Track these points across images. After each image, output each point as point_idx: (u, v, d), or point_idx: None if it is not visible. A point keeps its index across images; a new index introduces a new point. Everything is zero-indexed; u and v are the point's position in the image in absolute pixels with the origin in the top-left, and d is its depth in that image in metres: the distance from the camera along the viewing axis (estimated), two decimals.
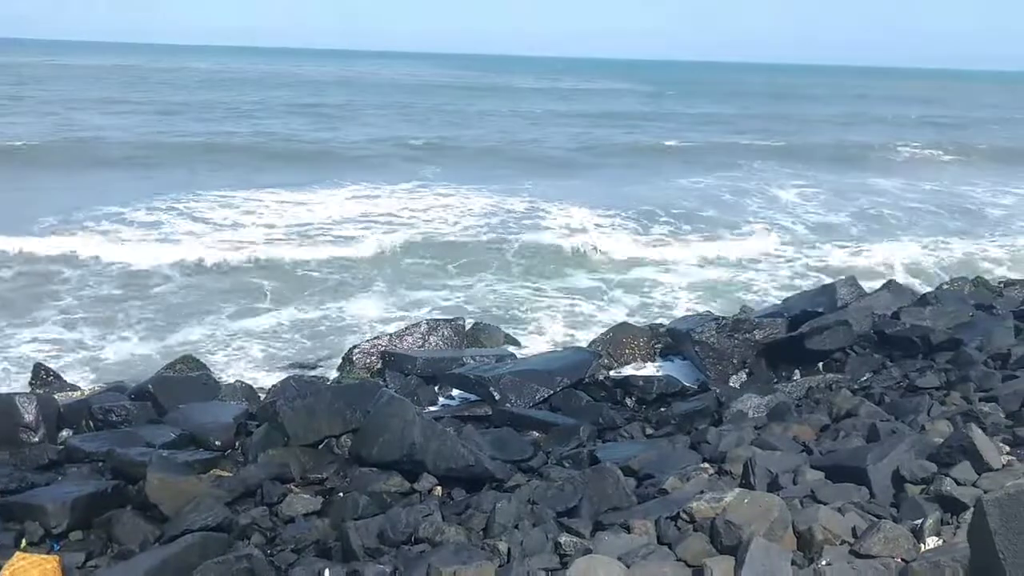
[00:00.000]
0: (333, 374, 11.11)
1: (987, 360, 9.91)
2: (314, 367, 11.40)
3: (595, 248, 17.60)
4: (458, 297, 14.28)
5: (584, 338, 12.40)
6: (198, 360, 10.91)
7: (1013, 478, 5.62)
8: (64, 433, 8.73)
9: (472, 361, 10.77)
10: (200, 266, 15.60)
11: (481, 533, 6.00)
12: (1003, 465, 6.16)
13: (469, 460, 7.39)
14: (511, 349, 11.78)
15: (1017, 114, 64.88)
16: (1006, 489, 3.48)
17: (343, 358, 11.40)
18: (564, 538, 5.27)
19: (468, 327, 12.24)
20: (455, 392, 10.43)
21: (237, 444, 8.35)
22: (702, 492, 5.72)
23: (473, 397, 10.02)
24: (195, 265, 15.62)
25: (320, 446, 8.22)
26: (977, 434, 6.17)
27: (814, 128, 45.95)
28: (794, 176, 28.73)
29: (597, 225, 19.82)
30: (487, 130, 40.64)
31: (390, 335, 11.71)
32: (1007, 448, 6.84)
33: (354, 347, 11.49)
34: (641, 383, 10.32)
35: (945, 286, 13.76)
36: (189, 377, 10.07)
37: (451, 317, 12.41)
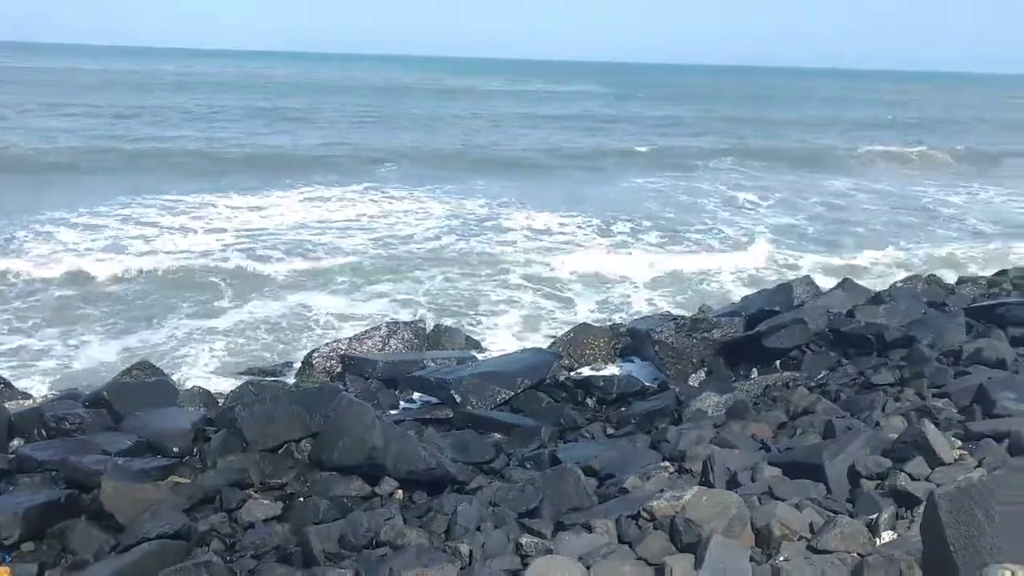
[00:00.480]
0: (292, 379, 11.03)
1: (940, 357, 10.09)
2: (273, 372, 11.30)
3: (557, 250, 17.67)
4: (419, 299, 14.25)
5: (545, 339, 12.43)
6: (155, 366, 10.76)
7: (964, 472, 5.73)
8: (15, 442, 8.55)
9: (433, 364, 10.75)
10: (154, 272, 15.37)
11: (443, 535, 5.99)
12: (955, 459, 6.28)
13: (430, 463, 7.38)
14: (472, 351, 11.78)
15: (986, 114, 66.18)
16: (957, 483, 3.55)
17: (302, 362, 11.32)
18: (525, 539, 5.27)
19: (429, 329, 12.22)
20: (416, 395, 10.39)
21: (195, 450, 8.23)
22: (662, 491, 5.76)
23: (434, 400, 10.00)
24: (149, 271, 15.38)
25: (280, 451, 8.15)
26: (930, 429, 6.28)
27: (779, 130, 46.39)
28: (755, 178, 29.06)
29: (560, 227, 19.88)
30: (452, 133, 40.60)
31: (350, 339, 11.64)
32: (959, 443, 6.97)
33: (313, 351, 11.41)
34: (602, 383, 10.38)
35: (899, 284, 13.98)
36: (146, 383, 9.92)
37: (411, 320, 12.38)
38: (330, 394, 8.58)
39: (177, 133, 36.55)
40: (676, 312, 13.29)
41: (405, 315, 13.24)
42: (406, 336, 11.72)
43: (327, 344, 11.58)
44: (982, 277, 15.07)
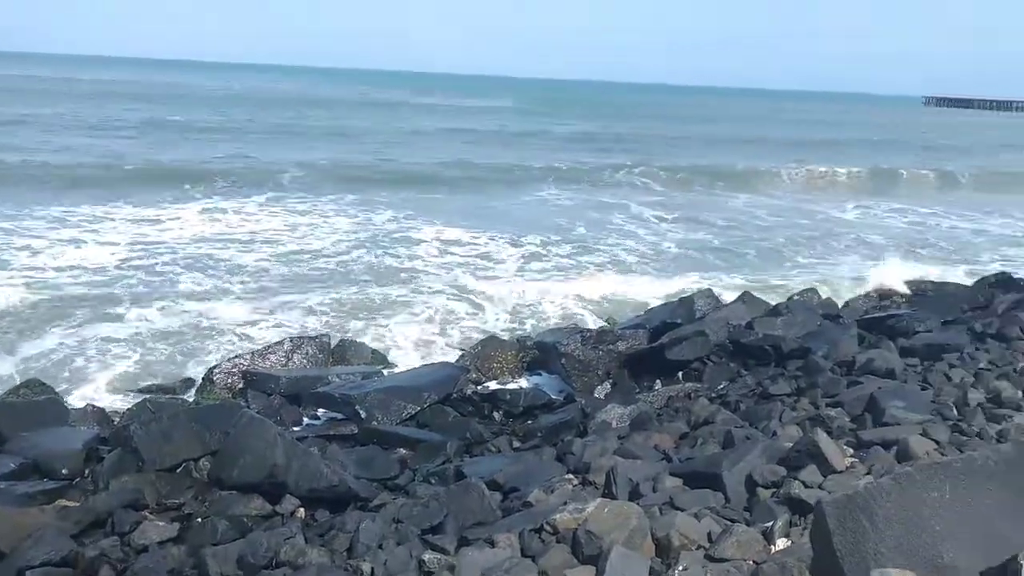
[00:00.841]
0: (192, 396, 10.72)
1: (833, 367, 10.45)
2: (172, 389, 10.96)
3: (468, 264, 17.68)
4: (324, 314, 14.03)
5: (452, 353, 12.40)
6: (45, 384, 10.31)
7: (855, 479, 5.93)
8: None
9: (338, 379, 10.60)
10: (44, 286, 14.77)
11: (345, 554, 5.89)
12: (847, 467, 6.50)
13: (332, 480, 7.26)
14: (379, 366, 11.66)
15: (891, 136, 68.78)
16: (843, 491, 3.67)
17: (203, 379, 11.01)
18: (428, 555, 5.24)
19: (334, 344, 12.04)
20: (320, 411, 10.23)
21: (87, 472, 7.91)
22: (565, 503, 5.79)
23: (339, 416, 9.85)
24: (38, 285, 14.77)
25: (177, 470, 7.90)
26: (822, 438, 6.49)
27: (691, 147, 47.24)
28: (662, 194, 29.64)
29: (471, 241, 19.88)
30: (358, 146, 40.18)
31: (252, 354, 11.39)
32: (851, 451, 7.22)
33: (214, 367, 11.12)
34: (508, 397, 10.40)
35: (796, 297, 14.43)
36: (34, 402, 9.48)
37: (316, 334, 12.18)
38: (231, 411, 8.36)
39: (69, 143, 35.20)
40: (585, 324, 13.45)
41: (310, 329, 13.02)
42: (310, 351, 11.53)
43: (228, 360, 11.30)
44: (876, 290, 15.69)
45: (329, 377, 10.66)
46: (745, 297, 13.73)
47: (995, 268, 17.94)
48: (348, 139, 43.83)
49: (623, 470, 6.58)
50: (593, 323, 13.81)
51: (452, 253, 18.70)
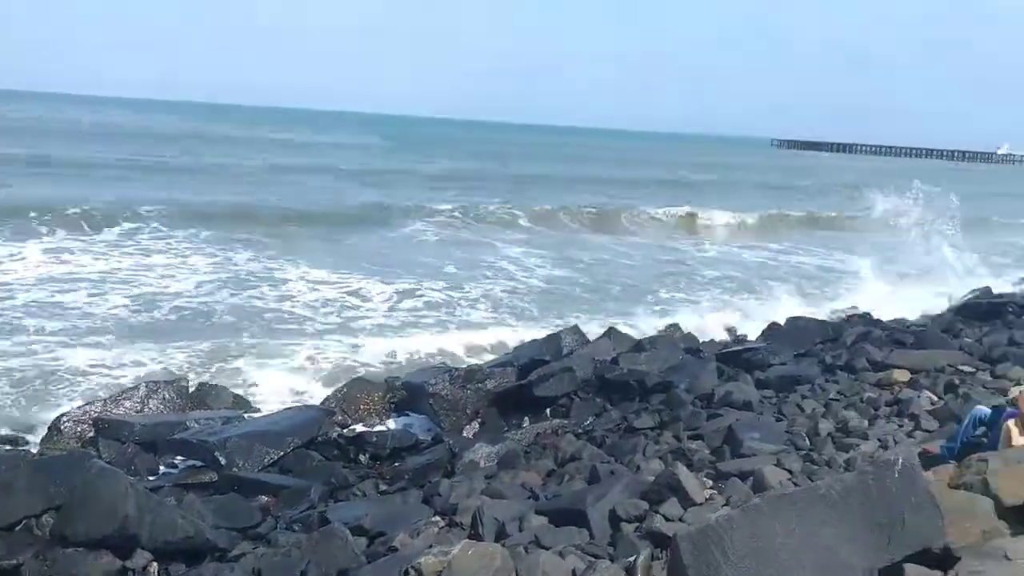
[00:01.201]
0: (36, 446, 10.07)
1: (695, 400, 10.78)
2: (14, 440, 10.28)
3: (333, 305, 17.40)
4: (182, 357, 13.46)
5: (317, 395, 12.11)
6: None
7: (713, 511, 6.09)
8: None
9: (196, 425, 10.19)
10: None
11: None
12: (706, 499, 6.68)
13: (188, 531, 6.95)
14: (240, 411, 11.28)
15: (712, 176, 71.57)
16: (697, 524, 3.75)
17: (49, 428, 10.36)
18: None
19: (192, 388, 11.58)
20: (178, 459, 9.80)
21: None
22: (431, 546, 5.72)
23: (198, 463, 9.47)
24: None
25: (16, 528, 7.37)
26: (682, 471, 6.65)
27: (554, 187, 47.67)
28: (526, 233, 29.96)
29: (339, 280, 19.54)
30: (216, 183, 38.77)
31: (104, 400, 10.83)
32: (710, 482, 7.43)
33: (63, 415, 10.49)
34: (375, 439, 10.24)
35: (659, 332, 14.83)
36: None
37: (173, 378, 11.70)
38: (79, 461, 7.87)
39: None
40: (455, 363, 13.39)
41: (168, 373, 12.47)
42: (167, 396, 11.05)
43: (79, 407, 10.70)
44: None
45: (187, 423, 10.24)
46: (611, 333, 14.01)
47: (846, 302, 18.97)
48: (202, 175, 42.22)
49: (489, 510, 6.56)
50: (462, 362, 13.78)
51: (318, 293, 18.35)
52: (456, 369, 11.74)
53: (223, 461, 9.13)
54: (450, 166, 60.32)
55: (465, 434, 10.86)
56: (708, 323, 16.88)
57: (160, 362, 13.15)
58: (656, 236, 31.84)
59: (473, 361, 13.76)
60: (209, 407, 11.25)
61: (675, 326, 15.56)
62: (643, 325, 16.40)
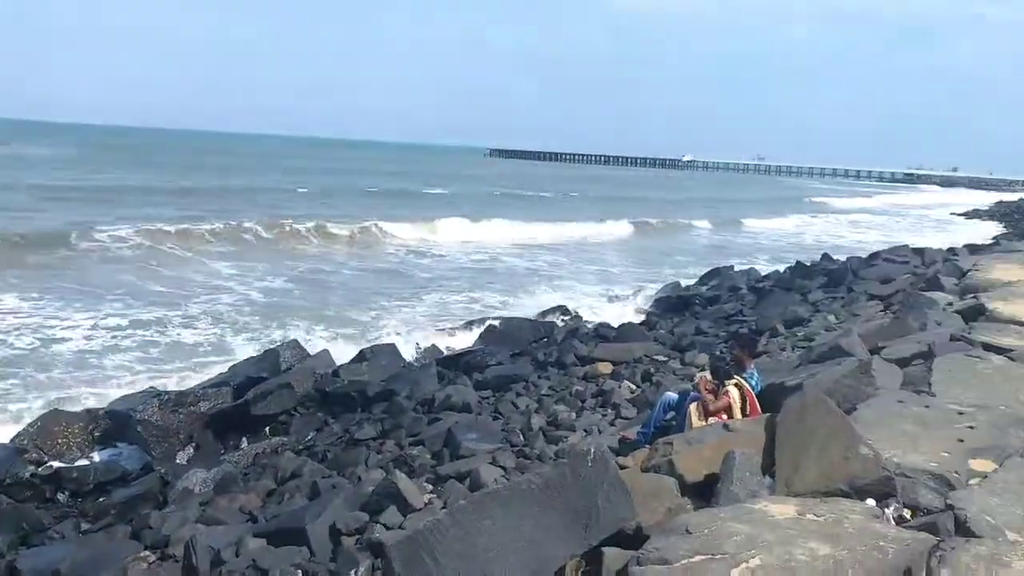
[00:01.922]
0: None
1: (416, 406, 10.92)
2: None
3: (22, 330, 15.78)
4: None
5: (6, 433, 10.91)
6: None
7: (432, 515, 6.22)
8: None
9: None
10: None
11: None
12: (425, 504, 6.80)
13: None
14: None
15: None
16: (404, 532, 3.81)
17: None
18: None
19: None
20: None
21: None
22: None
23: None
24: None
25: None
26: (400, 478, 6.73)
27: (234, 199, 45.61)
28: (223, 246, 28.36)
29: (28, 309, 17.70)
30: None
31: None
32: (430, 487, 7.58)
33: None
34: (75, 475, 9.40)
35: (380, 342, 14.84)
36: None
37: None
38: None
39: None
40: (165, 386, 12.57)
41: None
42: None
43: None
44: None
45: None
46: (332, 344, 13.87)
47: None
48: None
49: (203, 538, 6.28)
50: (175, 384, 12.98)
51: (3, 321, 16.54)
52: (165, 393, 11.08)
53: None
54: (135, 179, 56.10)
55: (179, 461, 10.27)
56: (429, 331, 17.08)
57: None
58: (364, 242, 31.67)
59: (193, 383, 12.98)
60: None
61: (396, 333, 15.70)
62: (368, 333, 16.35)
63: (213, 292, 20.69)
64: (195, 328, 16.81)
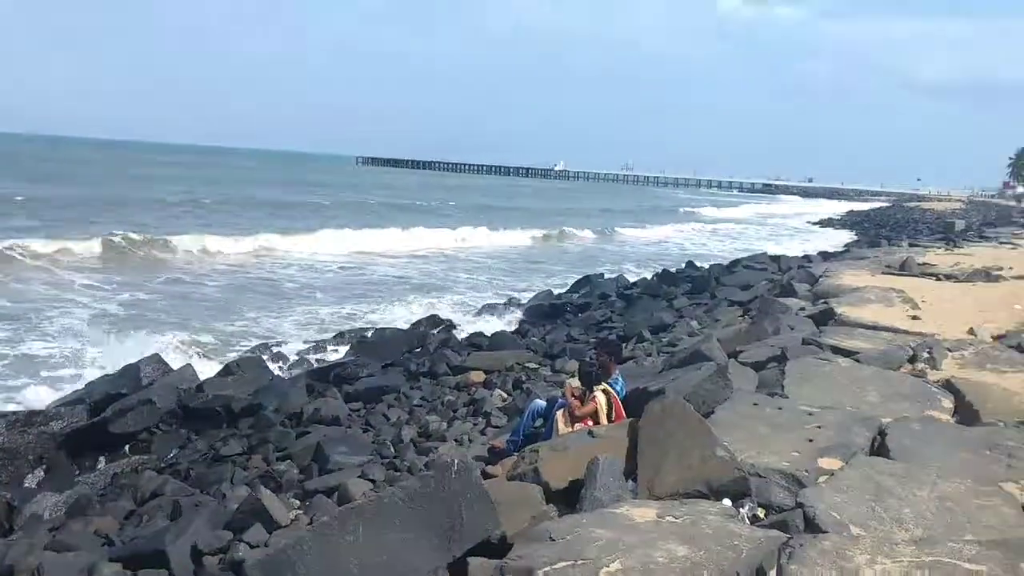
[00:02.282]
0: None
1: (284, 420, 10.69)
2: None
3: None
4: None
5: None
6: None
7: (296, 532, 6.09)
8: None
9: None
10: None
11: None
12: (291, 520, 6.66)
13: None
14: None
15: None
16: (266, 550, 3.73)
17: None
18: None
19: None
20: None
21: None
22: None
23: None
24: None
25: None
26: (265, 495, 6.57)
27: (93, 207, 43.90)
28: (77, 258, 26.93)
29: None
30: None
31: None
32: (297, 503, 7.43)
33: None
34: None
35: (248, 354, 14.46)
36: None
37: None
38: None
39: None
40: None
41: None
42: None
43: None
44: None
45: None
46: (197, 359, 13.42)
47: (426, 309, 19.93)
48: None
49: (52, 567, 5.97)
50: (23, 403, 12.26)
51: None
52: (11, 413, 10.45)
53: None
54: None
55: (27, 484, 9.68)
56: (298, 343, 16.75)
57: None
58: (239, 255, 30.86)
59: (46, 400, 12.27)
60: None
61: (264, 346, 15.34)
62: (238, 346, 15.90)
63: (67, 305, 19.70)
64: (47, 342, 15.95)
